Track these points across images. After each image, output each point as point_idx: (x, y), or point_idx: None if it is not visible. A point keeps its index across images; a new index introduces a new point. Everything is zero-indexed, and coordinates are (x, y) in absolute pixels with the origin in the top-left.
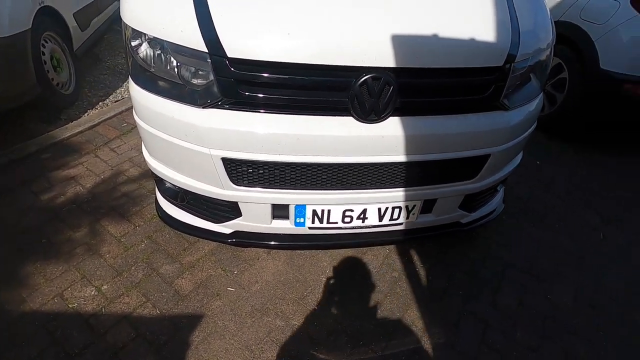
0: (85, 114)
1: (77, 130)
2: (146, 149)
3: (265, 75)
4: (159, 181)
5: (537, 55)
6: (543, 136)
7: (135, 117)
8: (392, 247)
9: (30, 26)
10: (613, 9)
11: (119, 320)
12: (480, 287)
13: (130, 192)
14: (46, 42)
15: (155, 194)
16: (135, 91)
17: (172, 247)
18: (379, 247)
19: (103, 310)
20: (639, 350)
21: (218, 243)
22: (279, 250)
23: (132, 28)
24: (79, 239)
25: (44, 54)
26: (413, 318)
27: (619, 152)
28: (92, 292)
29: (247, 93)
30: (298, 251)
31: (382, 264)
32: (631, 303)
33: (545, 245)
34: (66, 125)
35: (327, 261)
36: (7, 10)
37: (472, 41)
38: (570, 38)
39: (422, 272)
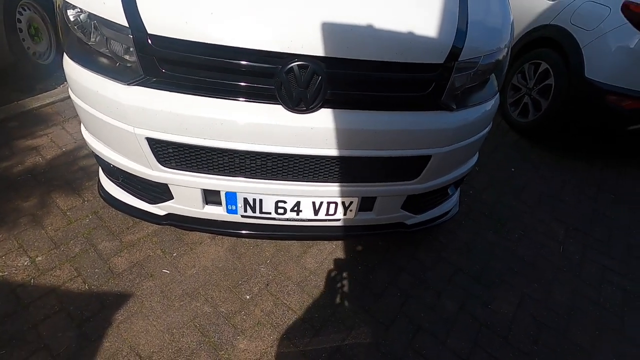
0: (61, 86)
1: (49, 101)
2: (82, 124)
3: (186, 55)
4: (97, 158)
5: (491, 55)
6: (526, 142)
7: (69, 92)
8: (339, 242)
9: None
10: (603, 16)
11: (46, 293)
12: (423, 289)
13: (87, 167)
14: (24, 9)
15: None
16: (69, 66)
17: (116, 225)
18: (325, 242)
19: (32, 281)
20: None
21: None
22: (223, 237)
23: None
24: (26, 209)
25: (20, 21)
26: (345, 315)
27: (604, 162)
28: (26, 263)
29: (169, 72)
30: (243, 239)
31: (326, 259)
32: (573, 319)
33: (500, 253)
34: (38, 95)
35: (270, 251)
36: None
37: (410, 35)
38: (559, 43)
39: (365, 270)
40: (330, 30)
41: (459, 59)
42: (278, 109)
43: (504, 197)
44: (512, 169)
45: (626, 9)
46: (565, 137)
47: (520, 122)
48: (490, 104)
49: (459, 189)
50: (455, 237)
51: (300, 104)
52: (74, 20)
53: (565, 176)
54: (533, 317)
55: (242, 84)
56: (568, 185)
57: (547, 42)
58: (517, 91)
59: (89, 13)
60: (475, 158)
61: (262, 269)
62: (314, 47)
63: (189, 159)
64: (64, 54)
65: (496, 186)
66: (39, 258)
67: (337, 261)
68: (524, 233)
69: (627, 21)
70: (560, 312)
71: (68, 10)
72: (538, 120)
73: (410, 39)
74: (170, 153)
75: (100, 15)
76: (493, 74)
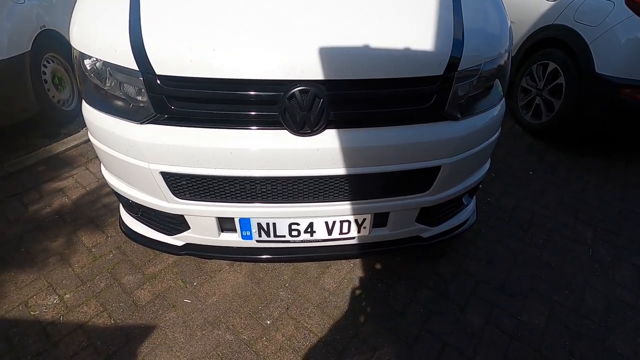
0: (84, 129)
1: (73, 144)
2: (102, 164)
3: (193, 90)
4: (117, 194)
5: (492, 62)
6: (541, 144)
7: (89, 135)
8: (356, 261)
9: (29, 48)
10: (607, 10)
11: (74, 329)
12: (446, 304)
13: (110, 204)
14: (48, 62)
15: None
16: (87, 111)
17: (138, 258)
18: (343, 261)
19: (61, 318)
20: None
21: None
22: (241, 263)
23: (79, 50)
24: (54, 249)
25: (44, 73)
26: (367, 335)
27: (625, 162)
28: (55, 301)
29: (178, 108)
30: (261, 264)
31: (344, 278)
32: (609, 326)
33: (525, 260)
34: (63, 140)
35: (288, 275)
36: (6, 34)
37: (407, 50)
38: (565, 42)
39: (385, 287)
40: (328, 54)
41: (459, 69)
42: (283, 134)
43: (524, 202)
44: (530, 172)
45: (630, 1)
46: (581, 136)
47: (534, 124)
48: (497, 110)
49: (474, 197)
50: (475, 247)
51: (304, 127)
52: (90, 69)
53: (586, 176)
54: (566, 326)
55: (247, 113)
56: (589, 186)
57: (552, 42)
58: (528, 93)
59: (103, 61)
60: (487, 165)
61: (282, 293)
62: (313, 71)
63: (202, 189)
64: (82, 100)
65: (514, 191)
66: (67, 295)
67: (355, 280)
68: (548, 238)
69: (632, 13)
70: (596, 320)
71: (85, 60)
72: (552, 120)
73: (407, 54)
74: (184, 185)
75: (113, 62)
76: (497, 80)
